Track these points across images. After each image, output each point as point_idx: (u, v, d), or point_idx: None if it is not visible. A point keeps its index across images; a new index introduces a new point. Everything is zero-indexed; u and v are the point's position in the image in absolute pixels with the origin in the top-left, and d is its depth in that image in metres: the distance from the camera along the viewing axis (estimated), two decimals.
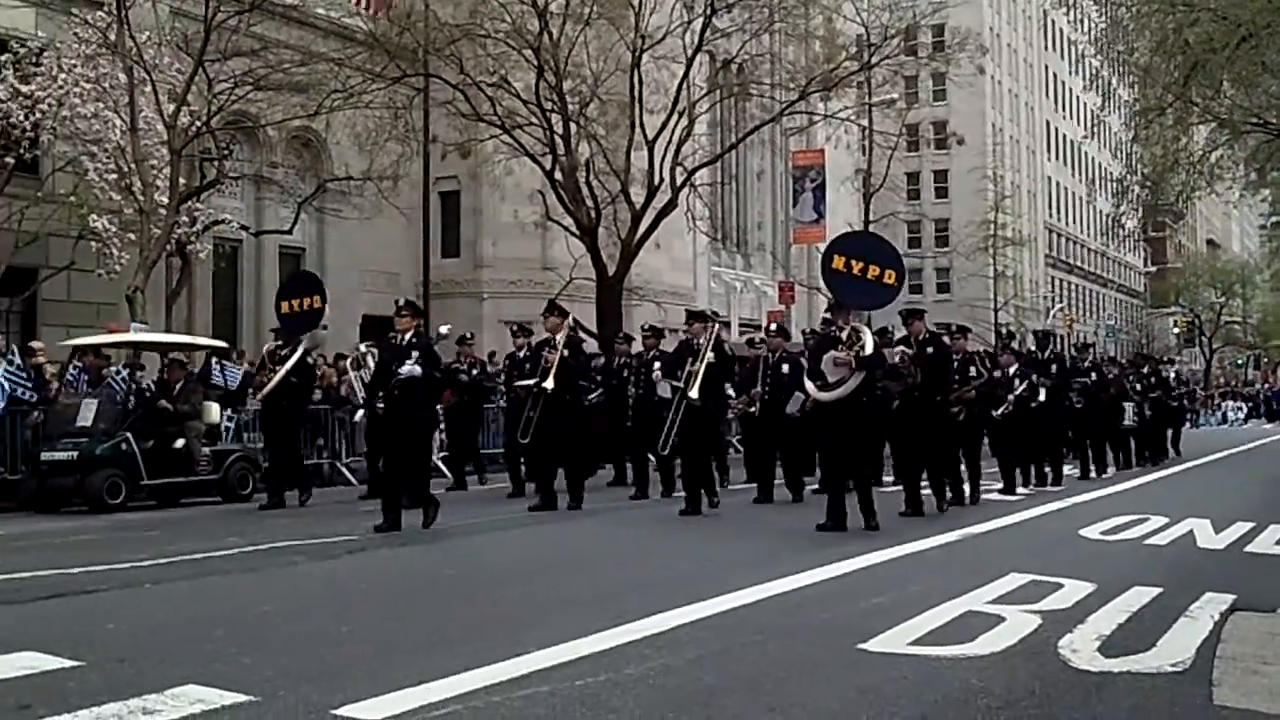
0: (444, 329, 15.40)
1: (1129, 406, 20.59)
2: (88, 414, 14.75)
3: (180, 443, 15.20)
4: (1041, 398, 16.13)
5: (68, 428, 14.68)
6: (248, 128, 25.94)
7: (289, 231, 26.69)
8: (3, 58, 20.44)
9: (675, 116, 27.01)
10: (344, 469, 18.84)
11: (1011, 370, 15.91)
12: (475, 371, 17.98)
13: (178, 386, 15.66)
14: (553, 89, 25.72)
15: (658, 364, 14.55)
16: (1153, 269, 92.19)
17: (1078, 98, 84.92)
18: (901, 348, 12.85)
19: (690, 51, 27.09)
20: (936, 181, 69.54)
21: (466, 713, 4.67)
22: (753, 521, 12.65)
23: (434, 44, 25.50)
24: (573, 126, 26.30)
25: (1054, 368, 17.91)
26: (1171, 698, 5.12)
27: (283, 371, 14.16)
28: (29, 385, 15.51)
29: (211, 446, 15.81)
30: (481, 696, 4.89)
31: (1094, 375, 19.57)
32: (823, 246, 41.41)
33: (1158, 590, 7.56)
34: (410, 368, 11.10)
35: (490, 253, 34.81)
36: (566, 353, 13.20)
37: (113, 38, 20.48)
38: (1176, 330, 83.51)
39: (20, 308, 22.19)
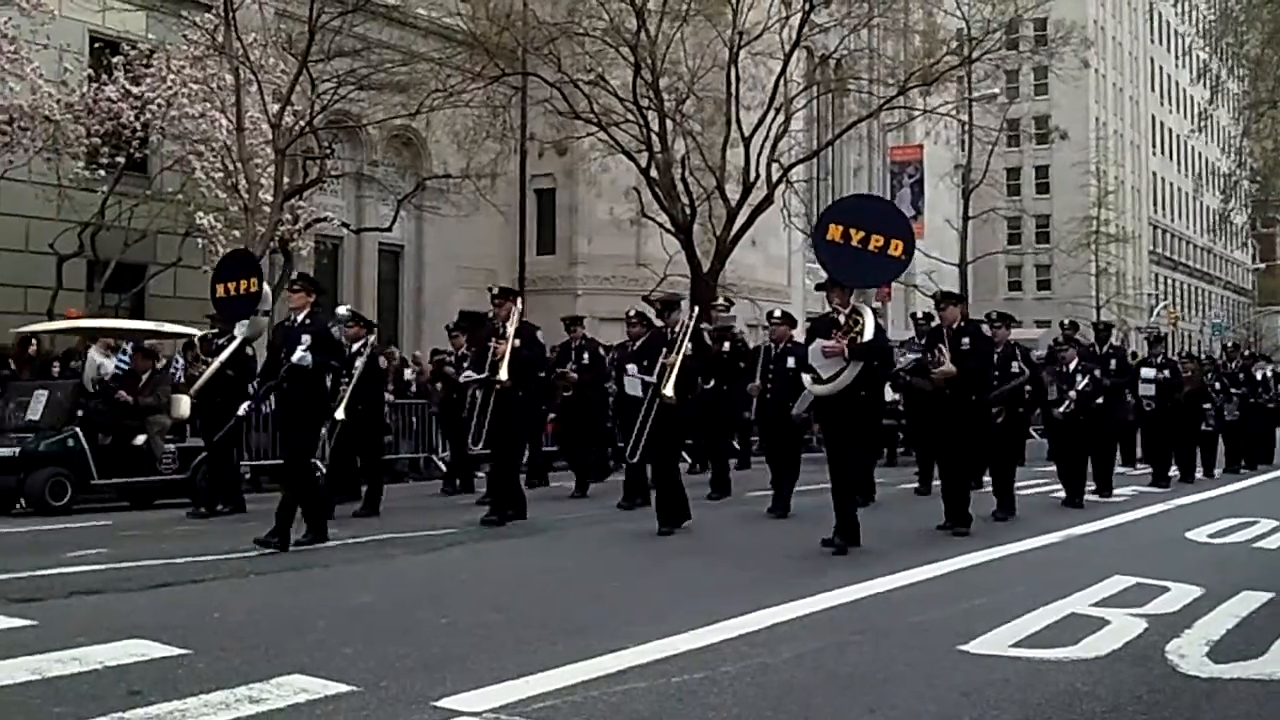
0: (342, 309, 13.77)
1: (1208, 408, 18.68)
2: (37, 407, 13.68)
3: (141, 439, 14.01)
4: (1100, 397, 14.42)
5: (16, 422, 13.64)
6: (349, 127, 26.30)
7: (389, 229, 27.04)
8: (114, 59, 20.99)
9: (772, 113, 26.89)
10: (439, 462, 18.86)
11: (1072, 366, 14.16)
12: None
13: (144, 377, 14.48)
14: (649, 86, 25.75)
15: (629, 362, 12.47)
16: (1261, 266, 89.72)
17: (1184, 91, 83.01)
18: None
19: (788, 47, 26.93)
20: (1038, 177, 68.31)
21: (565, 707, 4.70)
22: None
23: (532, 43, 25.70)
24: (669, 123, 26.31)
25: (1113, 363, 16.09)
26: None
27: (216, 364, 12.71)
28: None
29: (179, 444, 14.40)
30: (580, 691, 4.91)
31: (1167, 372, 17.60)
32: (922, 243, 41.00)
33: (1269, 595, 7.36)
34: (301, 355, 9.61)
35: (585, 250, 34.94)
36: (518, 342, 11.45)
37: (220, 39, 20.91)
38: None
39: (129, 303, 22.71)
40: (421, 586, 7.98)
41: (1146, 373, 17.25)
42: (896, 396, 16.56)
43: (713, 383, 13.79)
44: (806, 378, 9.80)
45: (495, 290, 12.03)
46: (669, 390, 10.64)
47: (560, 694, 4.86)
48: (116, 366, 15.57)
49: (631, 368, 11.93)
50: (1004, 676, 5.31)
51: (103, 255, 21.12)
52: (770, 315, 13.32)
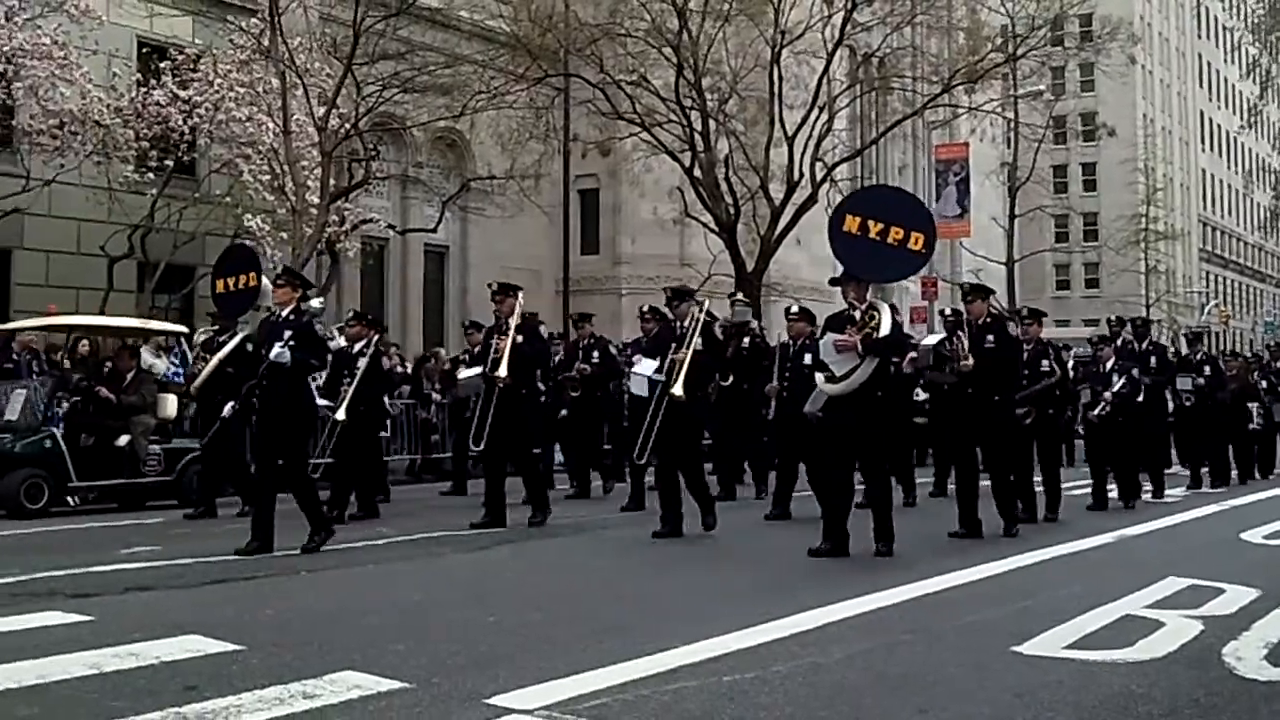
0: (314, 302, 12.85)
1: (1253, 407, 17.89)
2: (15, 406, 13.30)
3: (124, 440, 13.52)
4: (1140, 396, 13.84)
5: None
6: (394, 129, 26.49)
7: (434, 230, 27.19)
8: (162, 64, 21.23)
9: (815, 111, 26.83)
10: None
11: (1109, 365, 13.58)
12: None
13: (129, 376, 14.01)
14: (692, 86, 25.76)
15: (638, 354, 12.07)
16: None
17: (1233, 87, 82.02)
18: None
19: (830, 46, 26.86)
20: (1085, 174, 67.72)
21: (617, 705, 4.69)
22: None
23: (574, 44, 25.77)
24: (712, 123, 26.30)
25: (1153, 360, 15.49)
26: None
27: (215, 360, 12.54)
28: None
29: (164, 445, 13.91)
30: (631, 689, 4.91)
31: (1208, 370, 16.96)
32: (968, 241, 40.65)
33: None
34: (279, 351, 9.14)
35: (629, 249, 34.98)
36: (520, 338, 11.14)
37: (266, 43, 21.11)
38: None
39: (179, 304, 22.97)
40: (469, 585, 8.02)
41: (1183, 383, 16.61)
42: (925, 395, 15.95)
43: (731, 380, 13.39)
44: (820, 376, 9.19)
45: (494, 286, 11.74)
46: (678, 388, 10.11)
47: (611, 692, 4.86)
48: (169, 366, 15.63)
49: (638, 362, 11.38)
50: (1058, 678, 5.26)
51: (152, 257, 21.38)
52: (787, 311, 12.53)
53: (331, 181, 21.42)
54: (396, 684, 4.93)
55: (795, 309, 12.52)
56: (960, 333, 10.44)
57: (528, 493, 11.55)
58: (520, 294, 11.67)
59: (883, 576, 7.95)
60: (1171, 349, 21.23)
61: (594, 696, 4.78)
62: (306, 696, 4.75)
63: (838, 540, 9.00)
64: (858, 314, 9.07)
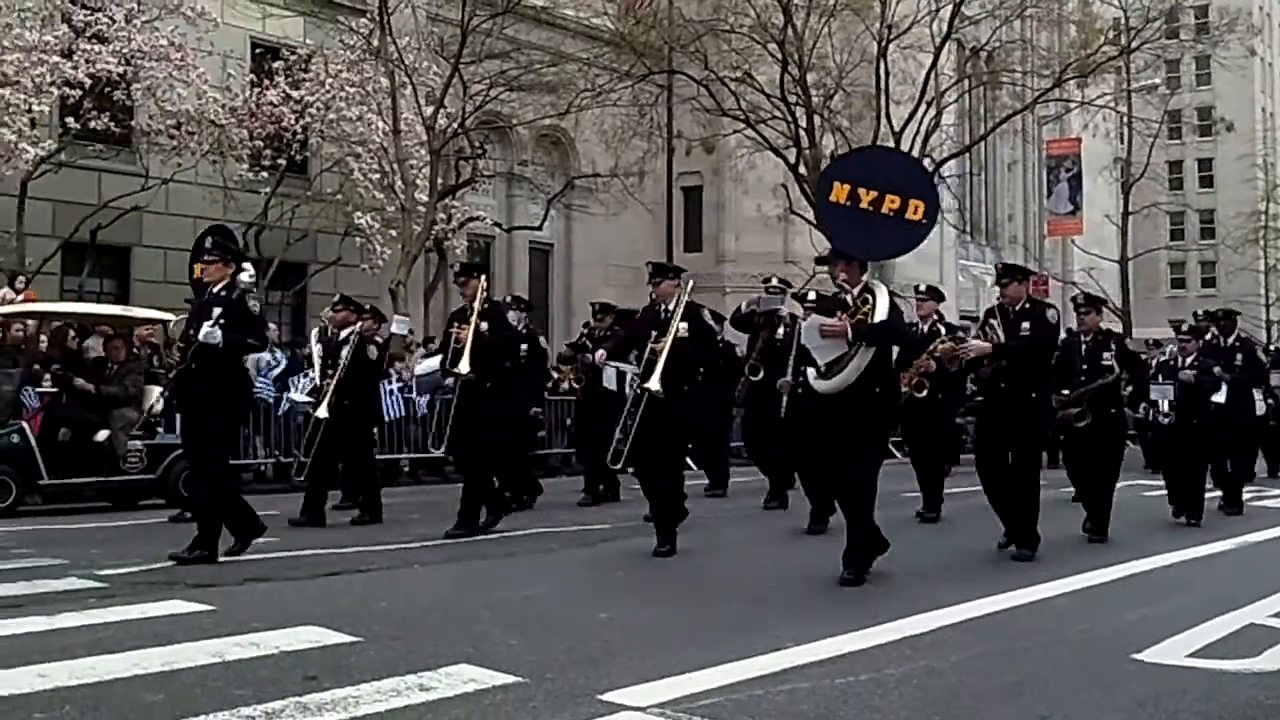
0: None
1: None
2: None
3: (103, 435, 12.58)
4: (1221, 397, 12.20)
5: None
6: (500, 127, 26.76)
7: (538, 228, 27.42)
8: (275, 65, 21.70)
9: (923, 107, 26.51)
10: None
11: (1188, 360, 12.12)
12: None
13: (115, 366, 13.02)
14: (797, 82, 25.62)
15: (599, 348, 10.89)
16: None
17: None
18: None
19: (938, 40, 26.52)
20: (1201, 170, 65.89)
21: (730, 704, 4.68)
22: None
23: (679, 41, 25.79)
24: (817, 119, 26.13)
25: (1238, 357, 13.84)
26: None
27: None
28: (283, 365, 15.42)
29: (148, 440, 12.81)
30: (744, 689, 4.89)
31: None
32: (1080, 239, 39.77)
33: None
34: (208, 331, 8.23)
35: (732, 247, 34.88)
36: (485, 325, 9.97)
37: (375, 43, 21.49)
38: None
39: (291, 301, 23.50)
40: (579, 581, 8.05)
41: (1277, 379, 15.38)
42: (974, 389, 14.25)
43: (762, 375, 12.01)
44: (810, 371, 7.88)
45: (456, 268, 10.60)
46: (654, 383, 8.67)
47: (724, 691, 4.84)
48: (272, 361, 15.54)
49: (600, 355, 10.28)
50: (1182, 687, 5.12)
51: (266, 254, 21.86)
52: (803, 299, 10.79)
53: (439, 179, 21.70)
54: (510, 678, 4.96)
55: (813, 296, 10.70)
56: (993, 321, 9.07)
57: (466, 498, 10.19)
58: (483, 276, 10.40)
59: (992, 581, 7.83)
60: (1265, 345, 20.05)
61: (707, 695, 4.77)
62: (423, 689, 4.81)
63: (864, 550, 7.82)
64: (849, 298, 7.78)
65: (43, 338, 14.14)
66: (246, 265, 8.97)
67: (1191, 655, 5.72)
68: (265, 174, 21.48)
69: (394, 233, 21.81)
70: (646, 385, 8.75)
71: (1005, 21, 29.32)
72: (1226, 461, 12.92)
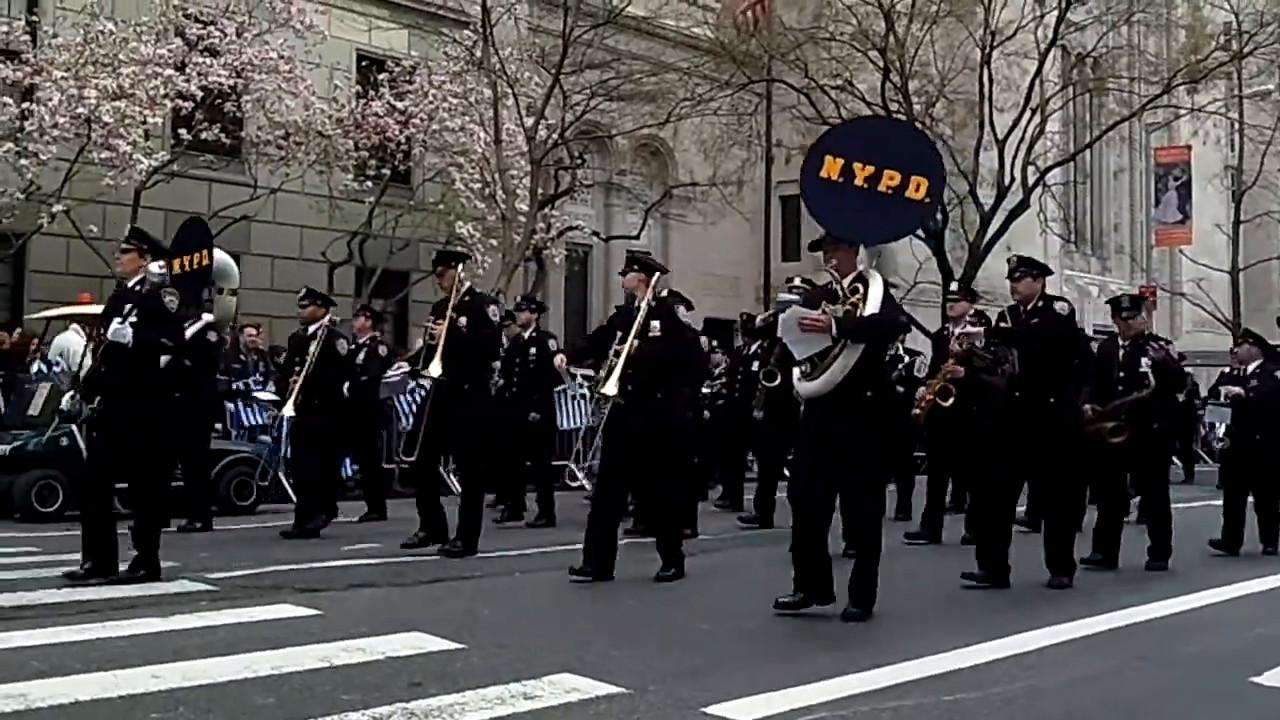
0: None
1: None
2: (39, 400, 12.31)
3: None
4: None
5: (20, 418, 12.37)
6: (599, 137, 26.86)
7: (636, 237, 27.46)
8: (380, 76, 22.05)
9: (1027, 114, 26.08)
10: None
11: (1250, 368, 10.85)
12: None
13: None
14: (898, 90, 25.35)
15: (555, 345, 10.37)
16: None
17: None
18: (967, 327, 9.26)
19: (1043, 47, 26.08)
20: None
21: (834, 719, 4.64)
22: None
23: (778, 49, 25.65)
24: (918, 127, 25.82)
25: None
26: None
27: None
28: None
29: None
30: (849, 705, 4.84)
31: None
32: (1189, 249, 38.81)
33: None
34: (118, 329, 7.48)
35: None
36: (463, 320, 9.22)
37: (478, 55, 21.71)
38: None
39: (394, 309, 23.80)
40: (679, 592, 8.02)
41: None
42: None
43: (779, 380, 11.28)
44: (795, 371, 7.03)
45: (434, 256, 10.02)
46: (610, 386, 7.91)
47: (829, 706, 4.80)
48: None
49: (560, 359, 9.75)
50: None
51: (370, 263, 22.22)
52: (791, 287, 9.91)
53: (539, 189, 21.87)
54: (613, 689, 4.97)
55: (798, 282, 10.25)
56: (1003, 325, 8.41)
57: (422, 513, 9.59)
58: (461, 265, 9.65)
59: (1104, 598, 7.66)
60: None
61: (811, 710, 4.73)
62: (527, 697, 4.83)
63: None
64: (839, 288, 6.95)
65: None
66: (159, 260, 8.18)
67: None
68: (370, 184, 21.81)
69: (494, 242, 22.02)
70: (603, 390, 7.99)
71: (1112, 27, 28.74)
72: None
